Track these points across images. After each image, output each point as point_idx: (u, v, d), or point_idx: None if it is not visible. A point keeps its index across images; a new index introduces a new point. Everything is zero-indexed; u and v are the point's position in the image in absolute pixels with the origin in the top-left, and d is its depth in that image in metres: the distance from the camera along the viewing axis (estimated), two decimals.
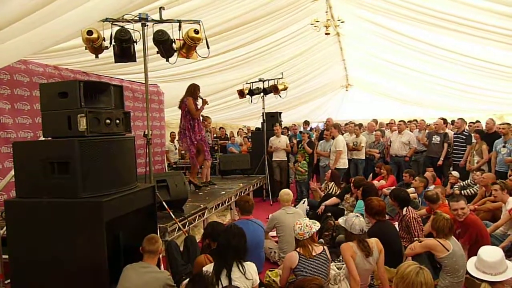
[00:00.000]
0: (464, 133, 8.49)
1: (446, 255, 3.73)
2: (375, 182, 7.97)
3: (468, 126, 9.32)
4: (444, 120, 9.37)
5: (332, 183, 7.57)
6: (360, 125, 9.70)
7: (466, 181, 7.36)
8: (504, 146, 7.12)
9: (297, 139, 9.94)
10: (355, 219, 3.86)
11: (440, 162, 8.59)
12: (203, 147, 6.61)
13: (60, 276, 2.95)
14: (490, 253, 2.78)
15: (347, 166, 8.51)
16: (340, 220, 4.13)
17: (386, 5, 7.26)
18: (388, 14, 7.71)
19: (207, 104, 6.54)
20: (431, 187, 6.47)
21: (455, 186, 7.41)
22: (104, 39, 4.32)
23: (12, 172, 3.60)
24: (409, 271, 2.48)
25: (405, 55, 10.14)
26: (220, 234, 3.56)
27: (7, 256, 3.23)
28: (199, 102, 6.46)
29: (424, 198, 5.46)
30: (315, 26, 8.19)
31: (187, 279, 3.72)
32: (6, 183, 4.03)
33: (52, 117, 3.08)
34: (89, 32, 4.18)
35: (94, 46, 4.28)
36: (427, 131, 9.34)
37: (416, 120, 11.04)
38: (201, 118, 6.80)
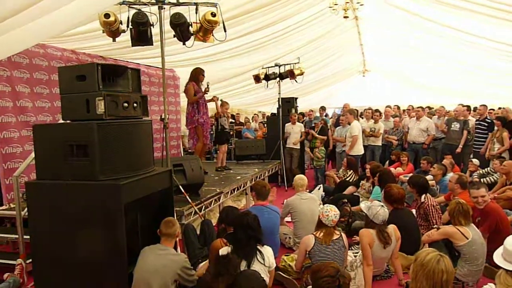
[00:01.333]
0: (486, 120, 8.30)
1: (465, 243, 3.68)
2: (392, 169, 7.88)
3: (488, 112, 9.09)
4: (468, 107, 9.17)
5: (351, 171, 7.52)
6: (379, 111, 9.54)
7: (486, 169, 7.21)
8: None
9: (309, 127, 9.87)
10: (380, 209, 3.81)
11: (459, 150, 8.42)
12: (203, 132, 6.50)
13: (79, 257, 3.00)
14: None
15: (362, 153, 8.40)
16: (363, 205, 4.09)
17: None
18: None
19: (207, 93, 6.44)
20: (449, 175, 6.36)
21: (474, 174, 7.28)
22: (121, 23, 4.31)
23: (33, 155, 3.65)
24: (429, 258, 2.43)
25: (426, 39, 9.90)
26: (235, 222, 3.57)
27: (28, 237, 3.29)
28: (204, 84, 6.40)
29: (456, 182, 5.31)
30: (333, 9, 8.04)
31: (204, 262, 3.78)
32: (27, 165, 4.09)
33: (70, 101, 3.09)
34: (107, 15, 4.17)
35: (111, 29, 4.27)
36: (446, 117, 9.15)
37: (428, 107, 10.83)
38: (219, 102, 6.77)
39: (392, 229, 3.89)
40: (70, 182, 2.97)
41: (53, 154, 3.03)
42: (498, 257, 2.73)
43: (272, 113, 11.55)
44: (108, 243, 2.95)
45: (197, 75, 6.38)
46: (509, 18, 6.76)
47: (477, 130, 8.38)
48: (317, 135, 9.10)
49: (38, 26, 4.05)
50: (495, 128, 7.87)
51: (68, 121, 3.14)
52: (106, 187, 2.92)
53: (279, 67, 8.90)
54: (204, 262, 3.78)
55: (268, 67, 9.01)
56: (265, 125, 11.62)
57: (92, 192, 2.95)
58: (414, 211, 5.10)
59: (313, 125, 9.65)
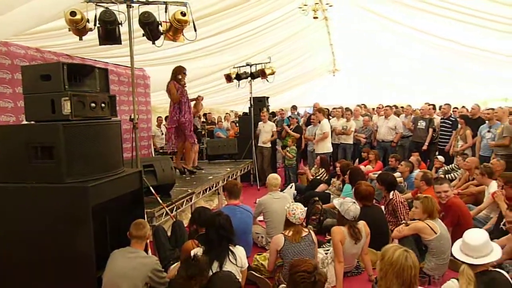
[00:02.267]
0: (450, 118, 8.63)
1: (434, 238, 3.81)
2: (361, 166, 8.05)
3: (453, 111, 9.43)
4: (433, 106, 9.47)
5: (323, 169, 7.62)
6: (350, 110, 9.71)
7: (450, 166, 7.48)
8: (488, 131, 7.24)
9: (285, 124, 9.95)
10: (351, 205, 3.89)
11: (425, 147, 8.69)
12: (185, 130, 6.33)
13: (45, 261, 2.92)
14: (474, 236, 2.81)
15: (330, 150, 8.55)
16: (335, 201, 4.15)
17: None
18: None
19: (199, 100, 6.33)
20: (416, 171, 6.56)
21: (439, 170, 7.54)
22: (88, 21, 4.19)
23: None
24: (397, 256, 2.47)
25: (392, 40, 10.16)
26: (207, 222, 3.55)
27: None
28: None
29: (421, 179, 5.48)
30: (303, 10, 8.12)
31: (175, 264, 3.74)
32: None
33: (35, 101, 3.00)
34: (73, 13, 4.04)
35: (78, 27, 4.14)
36: (413, 116, 9.42)
37: (396, 106, 11.13)
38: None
39: (362, 225, 3.98)
40: (34, 185, 2.89)
41: (16, 156, 2.94)
42: (457, 251, 2.84)
43: (244, 113, 11.57)
44: (75, 247, 2.88)
45: (176, 73, 6.22)
46: (472, 22, 7.03)
47: (441, 128, 8.68)
48: (291, 132, 9.15)
49: (0, 24, 3.90)
50: (459, 126, 8.17)
51: (32, 122, 3.04)
52: (72, 190, 2.86)
53: (251, 66, 8.92)
54: (175, 264, 3.74)
55: (240, 67, 9.02)
56: (237, 124, 11.62)
57: (58, 195, 2.87)
58: (382, 207, 5.23)
59: (288, 124, 9.72)
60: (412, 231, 4.00)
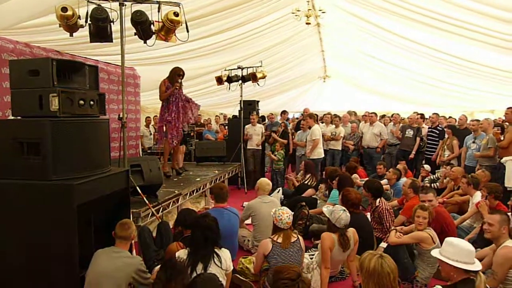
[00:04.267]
0: (438, 128, 8.74)
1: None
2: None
3: (441, 120, 9.55)
4: (422, 115, 9.60)
5: (309, 174, 7.63)
6: (338, 117, 9.77)
7: (436, 175, 7.58)
8: (473, 142, 7.35)
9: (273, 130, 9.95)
10: (342, 213, 3.87)
11: (412, 155, 8.79)
12: (168, 129, 6.19)
13: (28, 260, 2.87)
14: (461, 241, 2.83)
15: (322, 156, 8.58)
16: (325, 210, 4.11)
17: None
18: (369, 7, 7.77)
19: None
20: (403, 179, 6.62)
21: (425, 179, 7.62)
22: (79, 17, 4.15)
23: None
24: (373, 265, 2.53)
25: (383, 48, 10.27)
26: (193, 224, 3.52)
27: None
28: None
29: (409, 186, 5.52)
30: (296, 15, 8.18)
31: (159, 265, 3.70)
32: None
33: (22, 96, 2.96)
34: (64, 9, 4.01)
35: (69, 23, 4.11)
36: (401, 124, 9.53)
37: (385, 115, 11.25)
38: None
39: (351, 232, 3.97)
40: (19, 181, 2.85)
41: (1, 151, 2.89)
42: (448, 260, 2.79)
43: (233, 115, 11.56)
44: (59, 245, 2.84)
45: (172, 74, 6.16)
46: (463, 34, 7.15)
47: (429, 138, 8.79)
48: (278, 138, 9.18)
49: None
50: (446, 136, 8.29)
51: (19, 118, 3.00)
52: (58, 187, 2.82)
53: (242, 69, 8.93)
54: (160, 265, 3.71)
55: (231, 69, 9.02)
56: (226, 127, 11.59)
57: (43, 192, 2.83)
58: (368, 214, 5.26)
59: (274, 129, 9.74)
60: (414, 240, 4.01)
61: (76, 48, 6.74)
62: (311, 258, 4.23)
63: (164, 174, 6.29)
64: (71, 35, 4.32)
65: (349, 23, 9.61)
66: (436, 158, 8.35)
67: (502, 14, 5.95)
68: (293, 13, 8.13)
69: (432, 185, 7.13)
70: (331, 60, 14.73)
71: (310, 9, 8.29)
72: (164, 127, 6.25)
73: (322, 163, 8.85)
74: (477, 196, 5.31)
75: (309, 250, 4.74)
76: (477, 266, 2.71)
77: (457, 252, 2.74)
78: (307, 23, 8.52)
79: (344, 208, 4.05)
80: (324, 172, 7.48)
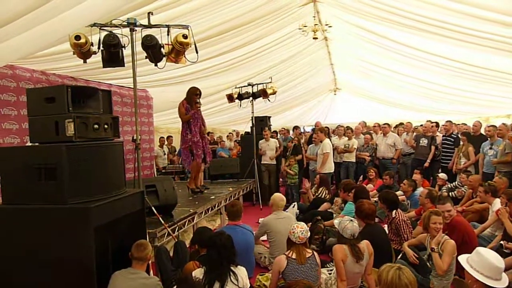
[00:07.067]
0: (452, 135, 8.64)
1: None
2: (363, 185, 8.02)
3: (455, 128, 9.45)
4: (436, 124, 9.51)
5: (323, 187, 7.59)
6: (350, 129, 9.75)
7: (453, 183, 7.45)
8: (490, 148, 7.24)
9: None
10: (348, 223, 3.84)
11: (426, 164, 8.67)
12: (194, 150, 6.24)
13: (47, 283, 2.91)
14: (494, 255, 2.70)
15: (332, 170, 8.53)
16: (335, 221, 4.12)
17: (373, 10, 7.33)
18: (375, 19, 7.79)
19: (199, 108, 6.31)
20: (419, 189, 6.53)
21: (443, 188, 7.50)
22: (92, 44, 4.30)
23: None
24: (391, 278, 2.51)
25: (391, 59, 10.24)
26: (208, 243, 3.53)
27: None
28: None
29: (426, 196, 5.46)
30: (303, 31, 8.25)
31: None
32: None
33: (39, 123, 3.06)
34: (77, 37, 4.16)
35: (82, 51, 4.25)
36: (414, 133, 9.45)
37: (402, 123, 11.17)
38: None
39: (364, 244, 3.93)
40: (37, 206, 2.91)
41: (20, 177, 2.97)
42: (474, 272, 2.67)
43: (246, 132, 11.62)
44: (78, 268, 2.88)
45: (189, 94, 6.21)
46: (474, 42, 7.10)
47: (443, 146, 8.69)
48: (290, 171, 9.04)
49: (7, 47, 4.00)
50: (461, 143, 8.18)
51: (36, 144, 3.08)
52: (75, 211, 2.87)
53: (252, 86, 9.02)
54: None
55: (241, 87, 9.11)
56: (239, 144, 11.64)
57: (61, 216, 2.89)
58: (386, 226, 5.19)
59: (285, 145, 9.76)
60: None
61: (89, 74, 6.92)
62: (330, 274, 4.18)
63: (192, 190, 6.50)
64: (84, 61, 4.46)
65: (357, 35, 9.65)
66: (453, 166, 8.23)
67: None
68: (300, 28, 8.21)
69: (450, 193, 7.01)
70: (341, 73, 14.75)
71: (316, 24, 8.36)
72: (191, 148, 6.24)
73: (336, 176, 8.79)
74: (497, 204, 5.20)
75: (327, 265, 4.68)
76: (503, 283, 2.58)
77: (482, 264, 2.64)
78: (314, 38, 8.58)
79: (351, 218, 4.03)
80: (338, 185, 7.42)
